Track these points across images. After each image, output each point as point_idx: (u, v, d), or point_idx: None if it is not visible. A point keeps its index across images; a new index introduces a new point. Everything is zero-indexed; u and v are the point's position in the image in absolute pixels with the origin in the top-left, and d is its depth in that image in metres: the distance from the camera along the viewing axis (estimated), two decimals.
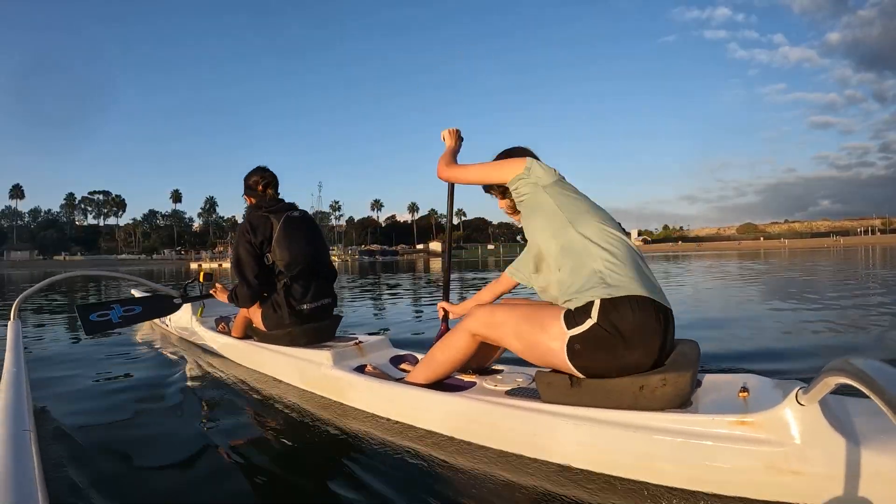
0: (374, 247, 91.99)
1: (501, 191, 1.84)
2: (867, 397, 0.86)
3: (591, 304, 1.43)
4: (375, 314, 5.71)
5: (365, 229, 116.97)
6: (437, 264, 28.67)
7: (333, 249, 63.28)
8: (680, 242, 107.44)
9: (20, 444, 1.06)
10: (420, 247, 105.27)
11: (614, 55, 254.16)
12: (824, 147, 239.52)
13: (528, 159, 1.70)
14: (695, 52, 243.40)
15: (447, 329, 2.23)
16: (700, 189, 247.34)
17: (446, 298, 2.31)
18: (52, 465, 1.47)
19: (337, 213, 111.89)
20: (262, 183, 2.64)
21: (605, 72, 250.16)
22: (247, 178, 2.68)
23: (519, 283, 1.92)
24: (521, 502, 1.27)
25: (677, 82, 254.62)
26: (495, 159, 1.85)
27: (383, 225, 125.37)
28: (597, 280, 1.44)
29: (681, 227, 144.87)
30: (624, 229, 1.63)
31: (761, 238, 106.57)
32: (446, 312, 2.23)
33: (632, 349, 1.40)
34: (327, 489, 1.40)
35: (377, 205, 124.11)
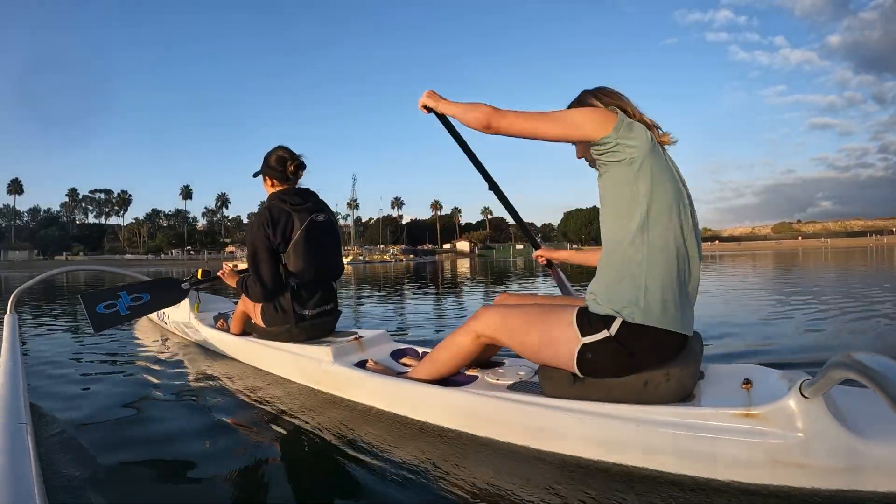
0: (403, 246, 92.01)
1: (586, 143, 1.51)
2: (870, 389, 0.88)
3: (611, 318, 1.43)
4: (375, 309, 5.76)
5: (385, 228, 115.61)
6: (464, 265, 28.61)
7: (352, 250, 63.62)
8: (717, 242, 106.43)
9: (17, 438, 1.12)
10: (446, 247, 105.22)
11: (616, 57, 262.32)
12: (823, 148, 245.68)
13: (620, 115, 1.42)
14: (696, 55, 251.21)
15: (556, 272, 2.37)
16: (699, 190, 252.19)
17: (536, 247, 2.39)
18: (48, 459, 1.53)
19: (355, 211, 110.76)
20: (291, 163, 2.48)
21: (607, 74, 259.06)
22: (268, 156, 2.49)
23: None
24: (524, 495, 1.30)
25: (678, 84, 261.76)
26: (572, 105, 1.59)
27: (403, 223, 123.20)
28: (631, 297, 1.41)
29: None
30: (697, 231, 1.49)
31: (799, 238, 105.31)
32: (547, 259, 2.36)
33: (642, 366, 1.43)
34: (329, 485, 1.44)
35: (398, 202, 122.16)
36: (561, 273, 2.37)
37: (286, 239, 2.37)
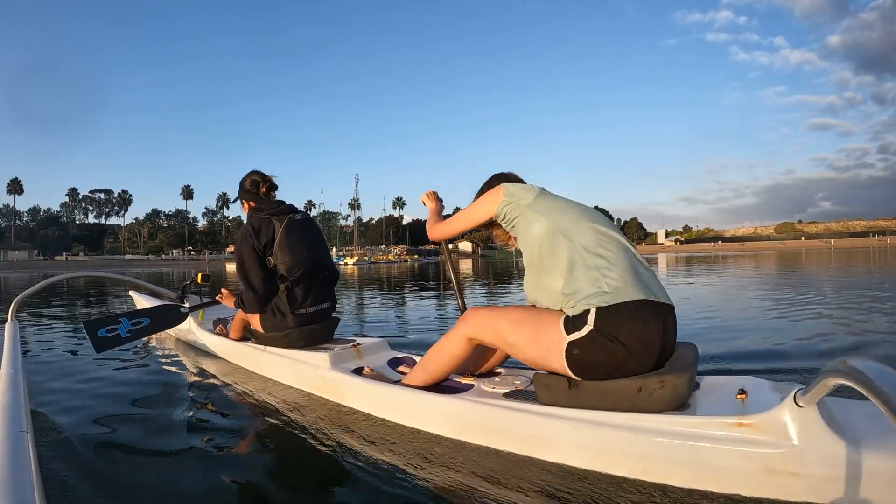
0: (406, 247, 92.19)
1: (490, 224, 1.90)
2: (865, 398, 0.89)
3: (587, 312, 1.48)
4: (375, 316, 5.78)
5: (388, 228, 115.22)
6: (466, 265, 28.73)
7: (354, 250, 63.87)
8: (720, 242, 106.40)
9: (17, 445, 1.13)
10: (449, 247, 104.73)
11: (616, 58, 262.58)
12: (823, 149, 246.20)
13: (504, 185, 1.76)
14: (696, 55, 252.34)
15: None
16: (699, 190, 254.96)
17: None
18: (49, 467, 1.55)
19: (356, 211, 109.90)
20: (263, 185, 2.69)
21: (607, 75, 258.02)
22: (243, 182, 2.71)
23: None
24: (517, 503, 1.32)
25: (678, 85, 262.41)
26: (477, 195, 1.93)
27: (404, 223, 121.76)
28: (593, 289, 1.50)
29: (686, 227, 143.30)
30: (619, 228, 1.69)
31: (802, 238, 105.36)
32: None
33: (631, 353, 1.45)
34: (324, 491, 1.47)
35: (399, 203, 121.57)
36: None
37: (271, 240, 2.50)
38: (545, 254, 1.64)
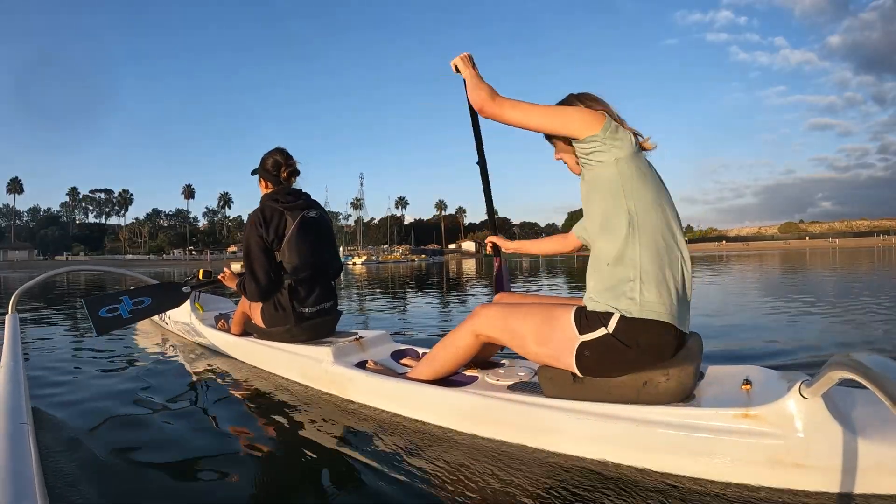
0: (410, 246, 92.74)
1: (567, 141, 1.58)
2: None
3: (609, 314, 1.45)
4: (376, 309, 5.78)
5: (392, 228, 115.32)
6: (469, 265, 28.73)
7: (358, 250, 64.42)
8: (724, 242, 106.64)
9: (18, 438, 1.13)
10: (451, 247, 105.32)
11: (617, 58, 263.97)
12: (823, 149, 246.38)
13: (607, 118, 1.48)
14: (697, 55, 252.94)
15: (501, 263, 2.37)
16: (698, 190, 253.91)
17: (494, 233, 2.39)
18: (49, 459, 1.55)
19: (358, 211, 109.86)
20: (285, 169, 2.56)
21: (608, 74, 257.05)
22: (265, 159, 2.57)
23: (583, 246, 1.94)
24: (523, 495, 1.31)
25: (678, 85, 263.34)
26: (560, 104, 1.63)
27: (406, 223, 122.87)
28: (627, 290, 1.44)
29: (689, 227, 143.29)
30: (682, 230, 1.54)
31: (806, 238, 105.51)
32: (496, 246, 2.36)
33: (641, 361, 1.43)
34: (329, 485, 1.46)
35: (401, 202, 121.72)
36: (505, 265, 2.37)
37: (279, 236, 2.42)
38: (604, 228, 1.51)
